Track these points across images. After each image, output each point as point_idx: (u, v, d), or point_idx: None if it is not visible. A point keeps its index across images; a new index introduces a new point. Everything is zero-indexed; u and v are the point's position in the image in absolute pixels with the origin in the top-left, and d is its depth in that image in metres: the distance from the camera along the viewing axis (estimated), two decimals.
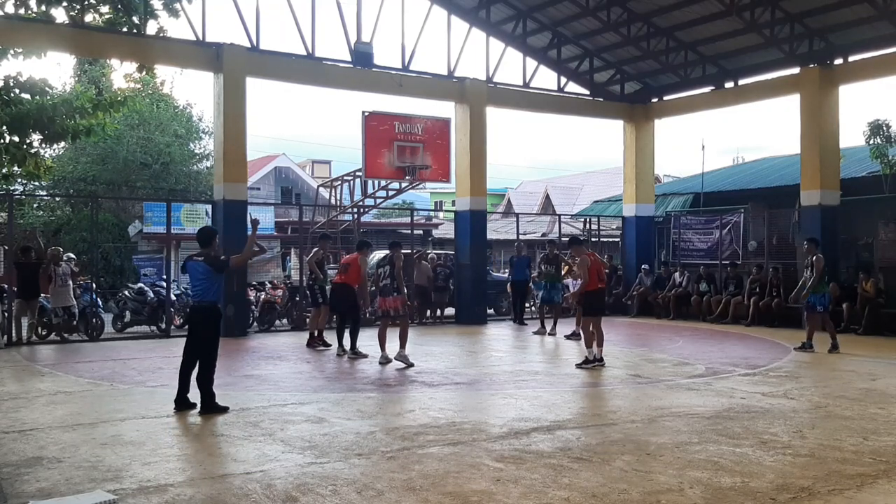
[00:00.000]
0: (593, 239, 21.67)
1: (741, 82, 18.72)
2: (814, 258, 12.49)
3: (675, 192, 23.21)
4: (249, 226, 8.47)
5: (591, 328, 10.95)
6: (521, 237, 20.63)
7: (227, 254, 9.14)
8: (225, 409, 7.61)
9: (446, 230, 31.01)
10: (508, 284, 18.46)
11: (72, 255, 15.14)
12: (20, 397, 8.48)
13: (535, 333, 15.48)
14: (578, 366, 10.80)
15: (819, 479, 5.42)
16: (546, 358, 12.64)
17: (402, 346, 11.04)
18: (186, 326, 8.25)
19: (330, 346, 12.77)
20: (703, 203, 21.03)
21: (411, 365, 10.81)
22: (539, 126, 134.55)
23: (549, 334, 15.12)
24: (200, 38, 15.35)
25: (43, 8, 14.41)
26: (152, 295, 15.42)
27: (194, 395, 7.72)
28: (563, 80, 20.17)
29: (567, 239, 15.43)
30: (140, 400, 8.41)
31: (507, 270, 20.84)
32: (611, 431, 6.91)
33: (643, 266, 20.12)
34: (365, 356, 11.77)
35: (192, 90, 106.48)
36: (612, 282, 21.05)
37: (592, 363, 10.73)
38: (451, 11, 18.53)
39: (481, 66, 18.95)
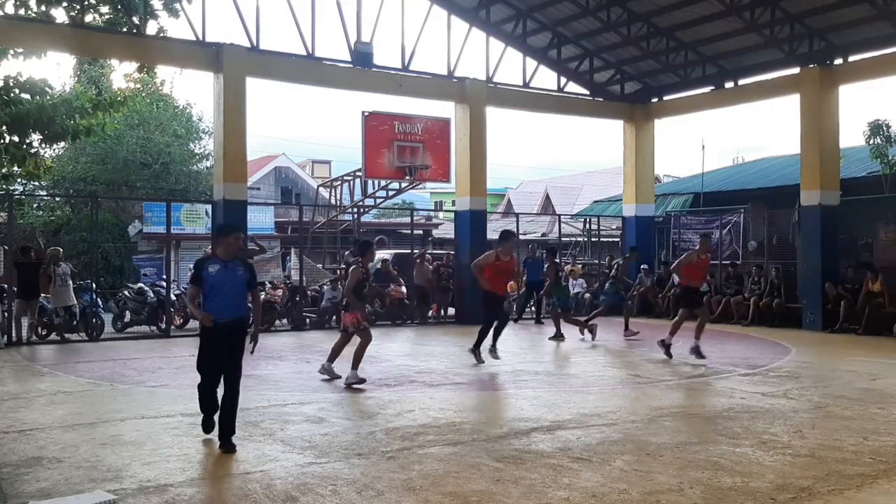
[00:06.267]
0: (593, 239, 21.63)
1: (741, 82, 18.71)
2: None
3: (675, 192, 23.20)
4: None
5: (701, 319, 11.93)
6: (521, 237, 20.61)
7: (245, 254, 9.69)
8: None
9: (446, 230, 31.00)
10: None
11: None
12: (20, 397, 8.49)
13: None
14: (663, 346, 11.68)
15: (819, 479, 5.42)
16: (546, 358, 12.64)
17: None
18: None
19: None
20: (703, 203, 21.03)
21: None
22: (539, 126, 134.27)
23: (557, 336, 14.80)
24: (200, 38, 15.34)
25: (43, 8, 14.42)
26: (152, 295, 15.43)
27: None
28: (563, 80, 20.15)
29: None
30: (140, 400, 8.42)
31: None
32: (611, 431, 6.91)
33: (643, 266, 20.08)
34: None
35: (192, 90, 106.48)
36: None
37: (698, 353, 11.40)
38: (451, 11, 18.51)
39: (481, 66, 18.96)
